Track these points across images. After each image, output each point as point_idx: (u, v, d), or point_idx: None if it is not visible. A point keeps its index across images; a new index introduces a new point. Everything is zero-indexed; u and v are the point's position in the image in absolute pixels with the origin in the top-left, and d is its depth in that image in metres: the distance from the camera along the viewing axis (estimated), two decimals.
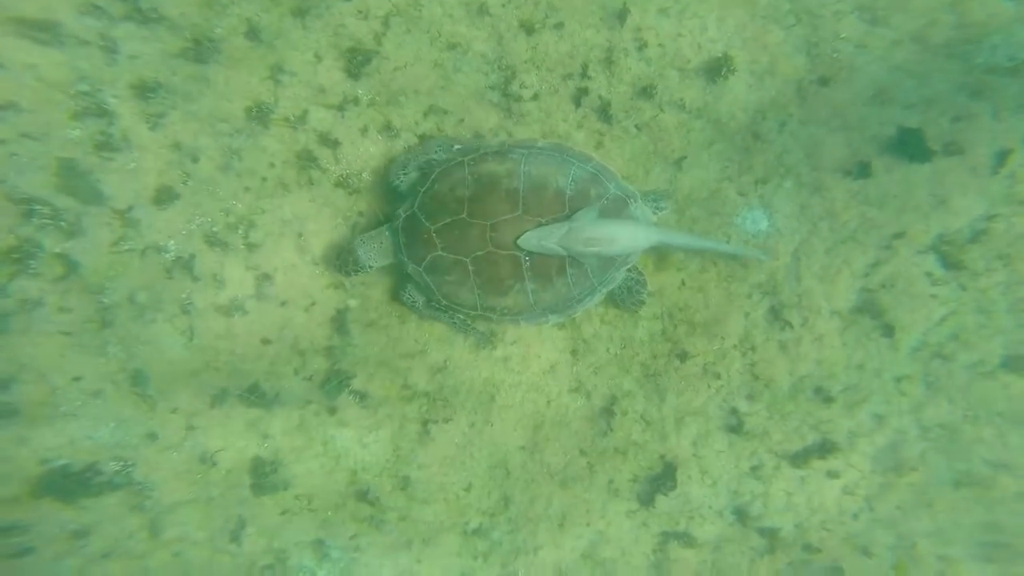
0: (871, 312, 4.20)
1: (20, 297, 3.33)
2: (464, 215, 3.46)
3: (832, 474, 4.29)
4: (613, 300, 3.93)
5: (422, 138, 3.89)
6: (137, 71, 3.52)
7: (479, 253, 3.47)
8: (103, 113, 3.50)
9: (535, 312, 3.63)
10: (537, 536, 4.20)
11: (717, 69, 3.99)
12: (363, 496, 3.97)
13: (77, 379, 3.47)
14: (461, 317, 3.77)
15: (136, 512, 3.65)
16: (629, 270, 3.76)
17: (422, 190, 3.57)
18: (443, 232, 3.49)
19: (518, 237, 3.42)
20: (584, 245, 3.41)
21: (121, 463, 3.60)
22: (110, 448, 3.57)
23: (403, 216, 3.59)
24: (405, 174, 3.68)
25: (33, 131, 3.38)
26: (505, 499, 4.17)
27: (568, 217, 3.48)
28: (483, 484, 4.14)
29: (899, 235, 4.12)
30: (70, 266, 3.43)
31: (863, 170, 4.09)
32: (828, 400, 4.25)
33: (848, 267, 4.16)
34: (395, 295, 3.95)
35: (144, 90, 3.53)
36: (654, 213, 3.81)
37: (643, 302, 3.94)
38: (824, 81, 4.09)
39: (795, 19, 4.08)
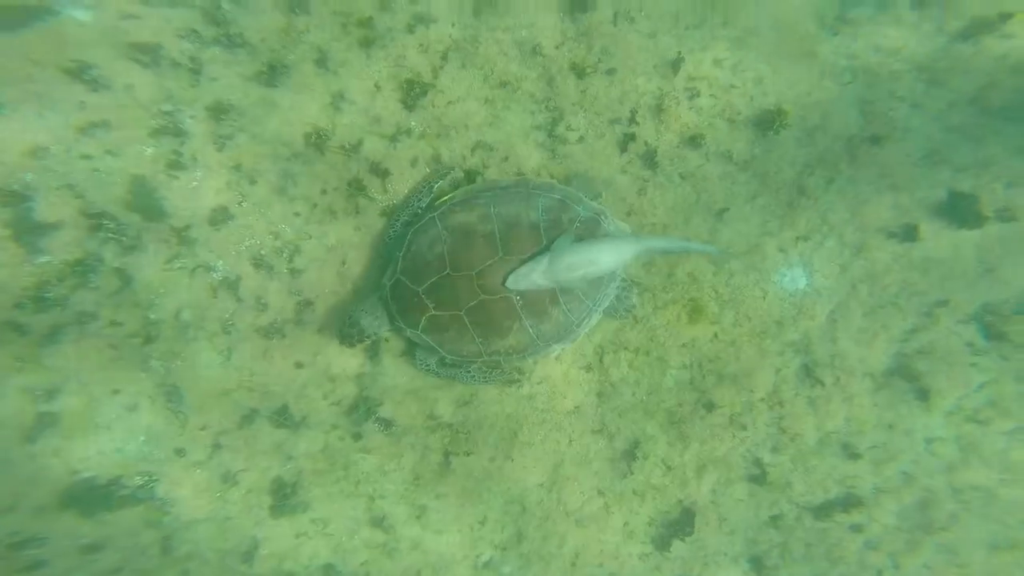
0: (906, 376, 4.15)
1: (78, 310, 3.42)
2: (448, 270, 3.47)
3: (855, 528, 4.28)
4: (607, 312, 3.91)
5: (468, 173, 3.91)
6: (215, 93, 3.63)
7: (472, 304, 3.48)
8: (179, 132, 3.60)
9: (539, 345, 3.63)
10: (548, 573, 4.20)
11: (769, 122, 3.97)
12: (378, 523, 4.00)
13: (116, 392, 3.54)
14: (476, 367, 3.77)
15: (151, 528, 3.70)
16: (617, 284, 3.76)
17: (400, 255, 3.57)
18: (432, 292, 3.49)
19: (504, 280, 3.43)
20: (568, 272, 3.41)
21: (145, 477, 3.65)
22: (136, 462, 3.64)
23: (388, 284, 3.59)
24: (394, 231, 3.70)
25: (115, 148, 3.49)
26: (519, 534, 4.16)
27: (547, 249, 3.48)
28: (498, 518, 4.14)
29: (941, 303, 4.05)
30: (125, 280, 3.51)
31: (909, 233, 4.03)
32: (855, 456, 4.23)
33: (886, 332, 4.10)
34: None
35: (219, 111, 3.63)
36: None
37: (634, 305, 3.93)
38: (876, 140, 4.05)
39: (851, 76, 4.05)
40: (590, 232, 3.56)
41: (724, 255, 4.03)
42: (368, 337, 3.63)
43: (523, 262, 3.44)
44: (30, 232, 3.33)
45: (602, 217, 3.63)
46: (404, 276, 3.53)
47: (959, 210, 3.95)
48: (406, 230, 3.62)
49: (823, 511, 4.28)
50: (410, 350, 3.90)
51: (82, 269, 3.41)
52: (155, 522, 3.69)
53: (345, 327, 3.60)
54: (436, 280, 3.47)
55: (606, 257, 3.48)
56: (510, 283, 3.41)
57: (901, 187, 4.04)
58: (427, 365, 3.76)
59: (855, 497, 4.25)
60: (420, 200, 3.72)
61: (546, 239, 3.50)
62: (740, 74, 3.99)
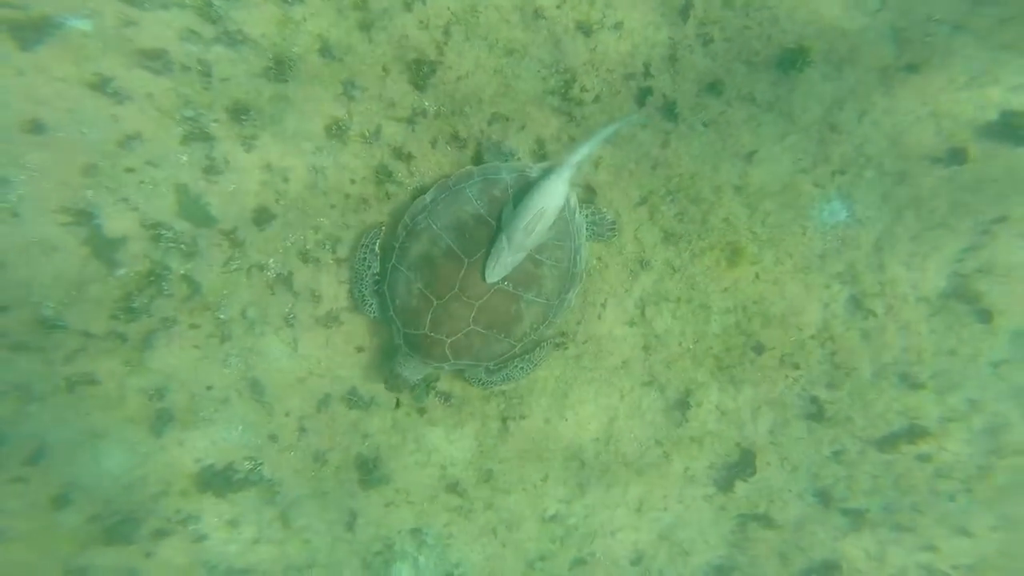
0: (964, 297, 4.01)
1: (160, 316, 3.72)
2: (435, 301, 3.59)
3: (923, 458, 4.23)
4: (595, 239, 3.98)
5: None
6: (230, 93, 3.69)
7: (473, 314, 3.59)
8: (207, 137, 3.71)
9: (554, 305, 3.72)
10: (614, 520, 4.38)
11: (791, 61, 3.85)
12: (453, 488, 4.26)
13: (209, 388, 3.88)
14: (518, 358, 3.90)
15: (270, 505, 4.08)
16: (583, 211, 3.77)
17: (392, 314, 3.71)
18: (435, 326, 3.62)
19: (483, 278, 3.52)
20: (528, 235, 3.43)
21: (252, 462, 4.02)
22: (241, 448, 4.00)
23: (402, 342, 3.73)
24: (370, 303, 3.83)
25: (153, 158, 3.64)
26: (581, 487, 4.34)
27: (498, 230, 3.53)
28: (559, 475, 4.31)
29: (1000, 220, 3.88)
30: (193, 286, 3.77)
31: (956, 156, 3.86)
32: (916, 386, 4.16)
33: (938, 253, 3.98)
34: None
35: (238, 112, 3.72)
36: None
37: (614, 223, 3.99)
38: (913, 67, 3.86)
39: (880, 3, 3.85)
40: (524, 187, 3.60)
41: (646, 118, 3.96)
42: (416, 384, 3.93)
43: (487, 255, 3.53)
44: (105, 248, 3.58)
45: (526, 169, 3.67)
46: (407, 328, 3.70)
47: (1015, 129, 3.77)
48: (380, 297, 3.80)
49: (887, 443, 4.24)
50: (459, 374, 4.09)
51: (155, 278, 3.67)
52: (271, 500, 4.09)
53: (391, 383, 3.86)
54: (431, 316, 3.61)
55: (548, 200, 3.47)
56: (489, 279, 3.51)
57: (943, 113, 3.84)
58: (479, 380, 3.94)
59: (920, 428, 4.18)
60: (372, 267, 3.83)
61: (494, 221, 3.57)
62: (753, 14, 3.87)
